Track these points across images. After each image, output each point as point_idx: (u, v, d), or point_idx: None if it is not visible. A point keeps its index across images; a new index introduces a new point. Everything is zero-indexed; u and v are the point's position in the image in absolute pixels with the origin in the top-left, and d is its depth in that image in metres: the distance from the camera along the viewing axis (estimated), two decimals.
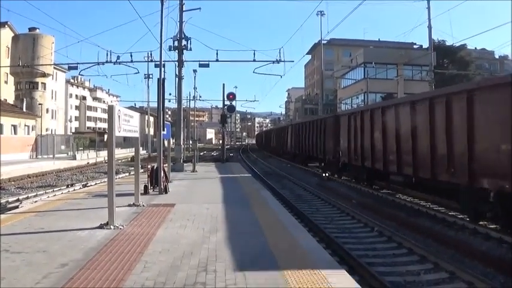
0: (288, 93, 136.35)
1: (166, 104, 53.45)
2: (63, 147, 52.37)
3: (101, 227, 9.00)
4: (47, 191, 21.33)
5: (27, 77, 54.22)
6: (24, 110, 48.69)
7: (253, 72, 31.51)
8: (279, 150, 53.24)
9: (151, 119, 62.20)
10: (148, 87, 60.66)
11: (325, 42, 63.25)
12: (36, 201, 15.95)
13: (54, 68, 62.26)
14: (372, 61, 50.72)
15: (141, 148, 16.65)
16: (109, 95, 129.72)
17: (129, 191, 13.34)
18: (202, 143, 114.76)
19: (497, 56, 76.22)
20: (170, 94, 55.86)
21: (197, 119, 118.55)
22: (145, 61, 34.74)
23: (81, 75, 66.44)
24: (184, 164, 27.16)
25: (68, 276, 5.82)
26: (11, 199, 18.13)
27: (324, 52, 61.72)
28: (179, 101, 28.58)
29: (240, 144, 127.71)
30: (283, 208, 13.30)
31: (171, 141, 25.14)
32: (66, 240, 7.98)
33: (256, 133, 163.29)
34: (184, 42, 26.26)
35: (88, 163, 43.34)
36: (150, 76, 57.98)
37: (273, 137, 63.48)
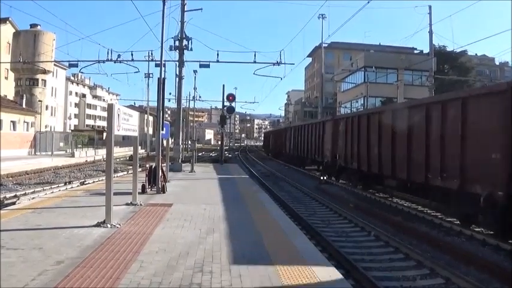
0: (288, 96, 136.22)
1: (166, 103, 53.33)
2: (61, 144, 52.29)
3: (97, 225, 8.99)
4: (44, 187, 21.27)
5: (27, 73, 54.15)
6: (24, 106, 48.65)
7: (254, 73, 31.62)
8: (277, 153, 53.15)
9: (151, 118, 62.19)
10: (148, 86, 60.90)
11: (325, 45, 63.18)
12: (33, 198, 15.94)
13: (55, 65, 62.21)
14: (372, 65, 50.81)
15: (139, 147, 16.65)
16: (109, 93, 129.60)
17: (127, 189, 13.34)
18: (201, 144, 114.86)
19: (497, 63, 76.34)
20: (170, 94, 55.99)
21: (196, 119, 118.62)
22: (146, 60, 34.73)
23: (82, 72, 67.09)
24: (183, 164, 27.14)
25: (64, 273, 5.82)
26: (8, 195, 18.09)
27: (324, 55, 61.71)
28: (179, 100, 28.59)
29: (239, 145, 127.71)
30: (280, 210, 13.32)
31: (170, 141, 25.11)
32: (63, 237, 7.98)
33: (264, 131, 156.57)
34: (185, 42, 26.28)
35: (86, 161, 43.30)
36: (151, 75, 57.91)
37: (271, 139, 63.06)
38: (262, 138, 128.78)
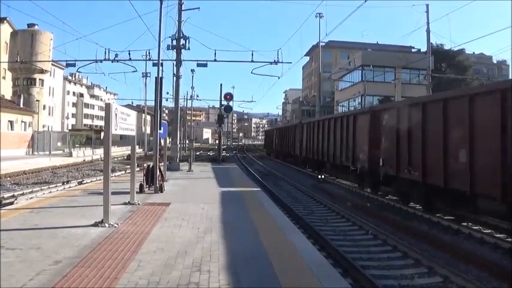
0: (285, 95, 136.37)
1: (164, 102, 53.40)
2: (59, 144, 52.26)
3: (95, 224, 8.98)
4: (42, 187, 21.25)
5: (25, 73, 54.18)
6: (22, 106, 48.59)
7: (251, 72, 31.54)
8: (283, 154, 48.15)
9: (148, 117, 62.12)
10: (145, 85, 60.48)
11: (323, 44, 63.18)
12: (31, 198, 15.91)
13: (52, 64, 62.24)
14: (369, 64, 50.87)
15: (137, 146, 16.62)
16: (106, 92, 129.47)
17: (124, 189, 13.33)
18: (198, 143, 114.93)
19: (495, 61, 76.34)
20: (168, 93, 56.02)
21: (194, 118, 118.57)
22: (144, 60, 34.62)
23: (79, 72, 66.80)
24: (181, 164, 27.15)
25: (62, 273, 5.81)
26: (6, 195, 18.07)
27: (322, 54, 61.69)
28: (176, 100, 28.62)
29: (237, 144, 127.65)
30: (278, 209, 13.30)
31: (168, 140, 25.09)
32: (61, 237, 7.96)
33: (265, 129, 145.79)
34: (182, 41, 26.29)
35: (84, 160, 43.25)
36: (148, 75, 57.89)
37: (275, 138, 55.98)
38: (262, 137, 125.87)
